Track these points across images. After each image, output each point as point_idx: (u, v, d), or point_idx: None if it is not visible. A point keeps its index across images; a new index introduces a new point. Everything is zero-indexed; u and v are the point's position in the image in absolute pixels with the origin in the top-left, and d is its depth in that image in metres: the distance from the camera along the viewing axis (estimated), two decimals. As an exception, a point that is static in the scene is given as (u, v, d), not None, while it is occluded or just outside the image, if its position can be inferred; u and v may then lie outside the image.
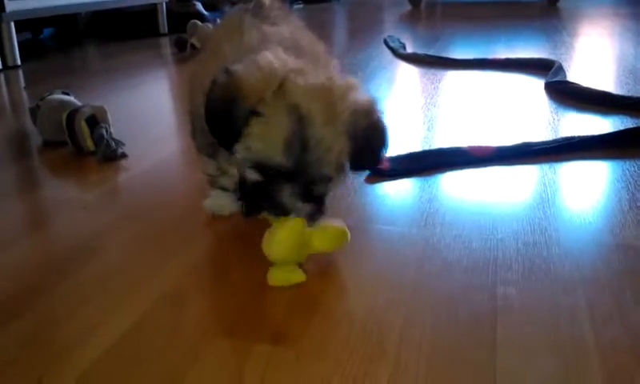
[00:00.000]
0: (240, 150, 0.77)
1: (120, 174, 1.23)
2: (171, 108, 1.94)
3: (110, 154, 1.30)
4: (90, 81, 2.34)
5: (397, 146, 1.29)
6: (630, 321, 0.70)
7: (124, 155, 1.31)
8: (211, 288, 0.82)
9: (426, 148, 1.28)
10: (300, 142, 0.73)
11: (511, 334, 0.69)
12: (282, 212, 0.77)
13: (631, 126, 1.34)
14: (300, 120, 0.73)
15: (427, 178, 1.14)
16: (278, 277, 0.80)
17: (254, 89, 0.74)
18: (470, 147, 1.23)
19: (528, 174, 1.15)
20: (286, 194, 0.76)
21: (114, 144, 1.31)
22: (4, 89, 2.26)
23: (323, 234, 0.81)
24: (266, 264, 0.84)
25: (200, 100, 0.81)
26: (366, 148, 0.79)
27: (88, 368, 0.66)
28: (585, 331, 0.68)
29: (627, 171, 1.13)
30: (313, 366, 0.65)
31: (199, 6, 3.58)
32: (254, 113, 0.74)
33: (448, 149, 1.23)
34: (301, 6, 5.10)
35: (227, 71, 0.76)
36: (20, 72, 2.47)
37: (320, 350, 0.67)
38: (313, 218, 0.79)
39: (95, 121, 1.35)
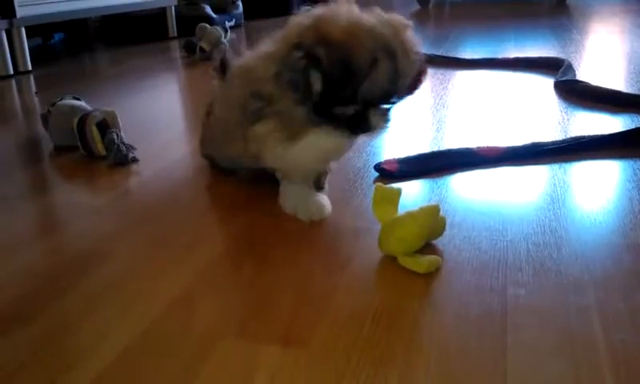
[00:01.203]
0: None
1: (131, 179, 1.24)
2: (181, 111, 1.95)
3: (120, 159, 1.31)
4: (101, 85, 2.35)
5: (406, 147, 1.29)
6: (642, 322, 0.69)
7: (135, 159, 1.32)
8: (221, 290, 0.82)
9: (435, 149, 1.27)
10: (395, 73, 0.87)
11: (521, 336, 0.68)
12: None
13: (642, 125, 1.33)
14: (394, 57, 0.87)
15: (436, 179, 1.14)
16: (422, 264, 0.82)
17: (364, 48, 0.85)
18: (479, 148, 1.22)
19: (538, 175, 1.15)
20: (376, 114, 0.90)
21: (124, 148, 1.32)
22: (15, 94, 2.28)
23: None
24: (275, 264, 0.84)
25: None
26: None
27: (101, 372, 0.66)
28: (596, 332, 0.68)
29: (638, 171, 1.12)
30: (322, 368, 0.65)
31: (208, 9, 3.60)
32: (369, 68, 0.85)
33: (457, 150, 1.23)
34: (308, 8, 5.11)
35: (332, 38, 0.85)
36: (31, 77, 2.50)
37: (330, 351, 0.67)
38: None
39: (106, 125, 1.36)
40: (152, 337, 0.72)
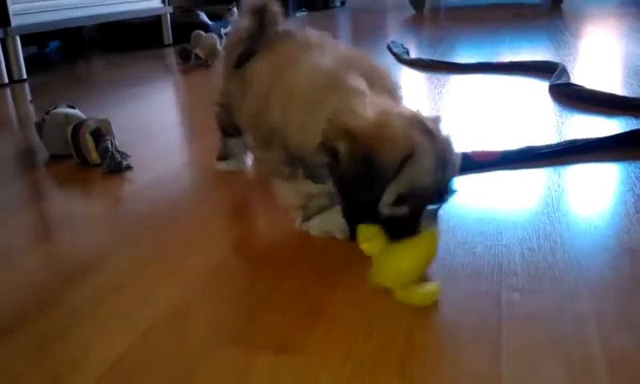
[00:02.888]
0: (390, 189, 0.76)
1: (125, 187, 1.24)
2: (176, 119, 1.95)
3: (115, 167, 1.31)
4: (96, 93, 2.35)
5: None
6: (638, 327, 0.69)
7: (129, 167, 1.32)
8: (216, 299, 0.82)
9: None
10: (441, 165, 0.77)
11: (516, 341, 0.68)
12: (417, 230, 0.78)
13: (636, 128, 1.33)
14: (436, 147, 0.77)
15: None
16: (424, 296, 0.76)
17: (400, 136, 0.76)
18: (474, 152, 1.22)
19: (532, 179, 1.15)
20: (426, 215, 0.79)
21: (119, 156, 1.32)
22: (10, 103, 2.28)
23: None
24: (271, 272, 0.84)
25: (303, 137, 0.84)
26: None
27: (95, 382, 0.66)
28: (591, 338, 0.68)
29: (632, 173, 1.12)
30: (317, 375, 0.65)
31: (203, 16, 3.60)
32: (402, 164, 0.75)
33: (452, 154, 1.23)
34: (304, 13, 5.11)
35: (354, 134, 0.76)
36: (26, 85, 2.49)
37: (325, 359, 0.67)
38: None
39: (100, 134, 1.36)
40: (147, 346, 0.72)
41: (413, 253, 0.78)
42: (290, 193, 0.95)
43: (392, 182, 0.75)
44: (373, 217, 0.78)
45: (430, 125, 0.80)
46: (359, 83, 0.85)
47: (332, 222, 0.93)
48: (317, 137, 0.81)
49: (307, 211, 0.95)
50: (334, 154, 0.78)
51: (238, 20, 1.10)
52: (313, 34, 1.03)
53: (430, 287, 0.77)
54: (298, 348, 0.69)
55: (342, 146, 0.77)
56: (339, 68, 0.88)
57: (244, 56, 1.06)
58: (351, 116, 0.79)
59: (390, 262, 0.78)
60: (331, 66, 0.89)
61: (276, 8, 1.08)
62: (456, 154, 0.83)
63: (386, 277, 0.78)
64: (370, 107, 0.80)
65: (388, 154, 0.74)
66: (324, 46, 0.97)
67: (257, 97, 0.97)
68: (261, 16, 1.05)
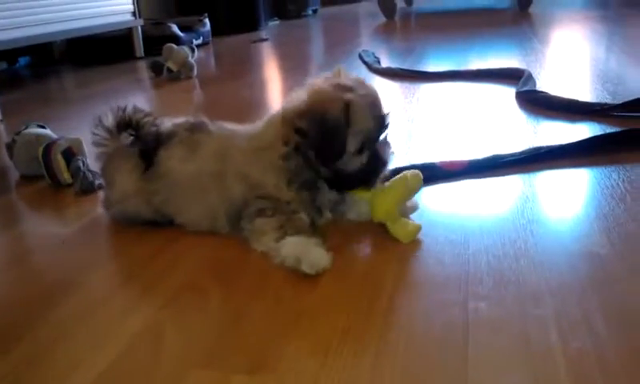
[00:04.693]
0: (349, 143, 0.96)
1: (98, 207, 1.23)
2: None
3: (87, 187, 1.31)
4: (67, 110, 2.34)
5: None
6: (596, 330, 0.72)
7: (101, 186, 1.32)
8: (189, 319, 0.83)
9: (399, 165, 1.30)
10: (374, 104, 0.99)
11: (482, 348, 0.71)
12: (385, 164, 1.00)
13: (598, 133, 1.38)
14: (363, 94, 0.98)
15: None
16: (408, 232, 0.98)
17: (333, 94, 0.96)
18: (441, 162, 1.25)
19: (498, 187, 1.18)
20: (382, 148, 0.99)
21: (91, 176, 1.32)
22: (-20, 122, 2.25)
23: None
24: (242, 290, 0.86)
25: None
26: None
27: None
28: (553, 342, 0.70)
29: (594, 179, 1.16)
30: (290, 392, 0.66)
31: (174, 28, 3.60)
32: (346, 114, 0.94)
33: (420, 165, 1.26)
34: (277, 22, 5.14)
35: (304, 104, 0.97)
36: (-4, 104, 2.47)
37: (298, 375, 0.69)
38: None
39: (71, 153, 1.36)
40: (121, 369, 0.73)
41: (395, 192, 1.00)
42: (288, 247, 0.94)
43: (348, 132, 0.95)
44: (349, 178, 0.99)
45: (351, 82, 0.99)
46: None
47: (306, 248, 0.91)
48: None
49: (281, 232, 0.96)
50: (300, 133, 0.96)
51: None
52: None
53: (412, 226, 0.98)
54: (270, 367, 0.70)
55: (301, 122, 0.95)
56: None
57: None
58: (291, 104, 0.98)
59: (379, 202, 1.00)
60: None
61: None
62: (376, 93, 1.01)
63: (378, 215, 1.00)
64: (295, 93, 1.00)
65: (333, 109, 0.94)
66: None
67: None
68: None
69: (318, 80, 1.01)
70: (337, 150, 0.96)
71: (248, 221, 0.99)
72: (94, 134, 1.14)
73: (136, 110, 1.14)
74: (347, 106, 0.94)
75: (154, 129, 1.12)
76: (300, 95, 0.99)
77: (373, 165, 0.99)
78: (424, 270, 0.90)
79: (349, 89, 0.97)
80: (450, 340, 0.73)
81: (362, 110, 0.95)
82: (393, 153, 1.02)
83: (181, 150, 1.06)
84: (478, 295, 0.81)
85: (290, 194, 0.98)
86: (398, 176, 1.02)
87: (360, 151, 0.97)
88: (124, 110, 1.13)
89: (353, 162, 0.98)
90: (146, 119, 1.13)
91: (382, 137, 1.00)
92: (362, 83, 1.00)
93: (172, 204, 1.07)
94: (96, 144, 1.15)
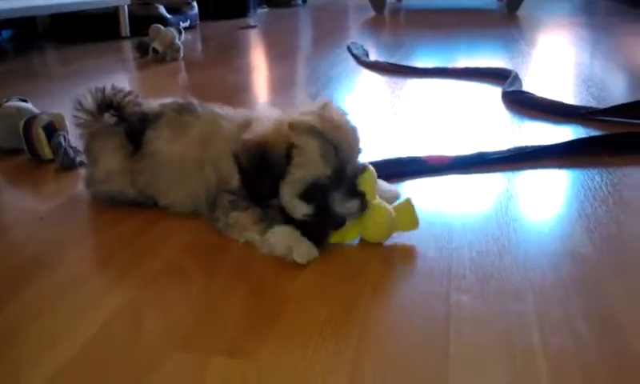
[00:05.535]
0: (287, 188, 0.89)
1: (78, 183, 1.21)
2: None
3: (68, 163, 1.29)
4: (49, 86, 2.30)
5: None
6: (576, 328, 0.73)
7: (82, 163, 1.30)
8: (169, 301, 0.82)
9: (386, 157, 1.30)
10: (332, 150, 0.88)
11: (464, 342, 0.71)
12: (341, 222, 0.90)
13: (582, 136, 1.39)
14: (322, 137, 0.88)
15: (386, 187, 1.16)
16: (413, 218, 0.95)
17: (277, 139, 0.89)
18: (428, 157, 1.25)
19: (483, 184, 1.19)
20: (338, 201, 0.88)
21: (72, 152, 1.30)
22: (-41, 93, 2.20)
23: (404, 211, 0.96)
24: (224, 275, 0.85)
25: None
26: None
27: (47, 382, 0.65)
28: (534, 339, 0.71)
29: (577, 180, 1.17)
30: (271, 379, 0.66)
31: (162, 9, 3.55)
32: (287, 156, 0.88)
33: (406, 158, 1.26)
34: (265, 9, 5.10)
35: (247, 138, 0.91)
36: (-24, 76, 2.41)
37: (278, 362, 0.68)
38: (360, 213, 0.91)
39: (53, 128, 1.33)
40: (99, 348, 0.71)
41: (380, 216, 0.93)
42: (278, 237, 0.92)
43: (284, 179, 0.89)
44: (299, 225, 0.91)
45: (325, 122, 0.91)
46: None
47: (297, 238, 0.90)
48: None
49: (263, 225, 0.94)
50: (239, 167, 0.92)
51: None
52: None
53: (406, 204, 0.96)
54: (251, 352, 0.70)
55: (242, 157, 0.91)
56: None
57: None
58: (243, 133, 0.93)
59: (373, 229, 0.93)
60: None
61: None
62: (354, 135, 0.95)
63: (374, 239, 0.94)
64: (259, 121, 0.94)
65: (274, 149, 0.88)
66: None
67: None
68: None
69: (296, 110, 0.96)
70: (265, 188, 0.90)
71: (222, 213, 0.97)
72: (75, 117, 1.12)
73: (115, 90, 1.12)
74: (290, 148, 0.88)
75: (137, 108, 1.10)
76: (264, 125, 0.93)
77: (320, 218, 0.89)
78: (407, 263, 0.90)
79: (307, 130, 0.89)
80: (432, 332, 0.73)
81: (310, 154, 0.87)
82: (360, 205, 0.90)
83: (168, 130, 1.05)
84: (460, 289, 0.81)
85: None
86: (376, 202, 0.94)
87: (307, 200, 0.89)
88: (103, 90, 1.11)
89: (297, 209, 0.90)
90: (127, 99, 1.11)
91: (342, 190, 0.89)
92: (336, 126, 0.92)
93: (157, 185, 1.06)
94: (79, 126, 1.13)
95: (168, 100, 1.10)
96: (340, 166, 0.89)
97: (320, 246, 0.90)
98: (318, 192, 0.88)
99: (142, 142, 1.06)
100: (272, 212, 0.94)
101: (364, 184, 0.93)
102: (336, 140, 0.89)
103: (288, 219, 0.92)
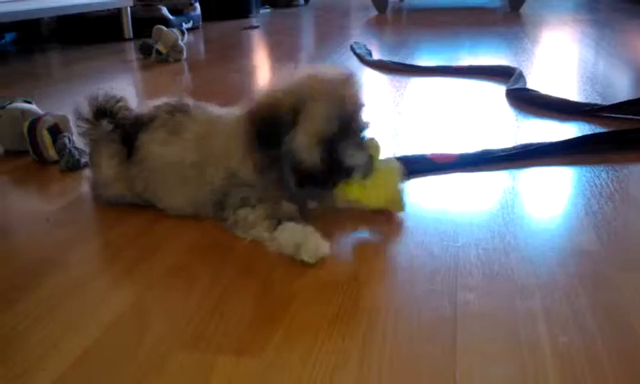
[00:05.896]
0: (298, 138, 0.92)
1: (83, 184, 1.21)
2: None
3: (72, 164, 1.29)
4: (53, 88, 2.30)
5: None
6: (584, 324, 0.72)
7: (87, 165, 1.30)
8: (175, 300, 0.82)
9: (390, 155, 1.29)
10: (340, 103, 0.93)
11: (471, 339, 0.71)
12: (349, 172, 0.94)
13: (588, 133, 1.39)
14: (329, 93, 0.93)
15: (391, 185, 1.16)
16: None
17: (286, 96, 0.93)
18: (432, 154, 1.25)
19: (488, 181, 1.18)
20: (349, 151, 0.93)
21: (76, 153, 1.30)
22: (-37, 96, 2.20)
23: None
24: (230, 273, 0.85)
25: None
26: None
27: (53, 383, 0.65)
28: (541, 336, 0.71)
29: (584, 177, 1.17)
30: (278, 376, 0.66)
31: (165, 11, 3.56)
32: (297, 111, 0.92)
33: (411, 156, 1.26)
34: (268, 10, 5.10)
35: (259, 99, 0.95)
36: (-20, 78, 2.42)
37: (285, 360, 0.68)
38: (368, 168, 0.96)
39: (57, 130, 1.33)
40: (105, 348, 0.71)
41: (392, 177, 0.99)
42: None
43: (295, 128, 0.92)
44: (308, 177, 0.94)
45: (328, 78, 0.95)
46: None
47: (305, 235, 0.90)
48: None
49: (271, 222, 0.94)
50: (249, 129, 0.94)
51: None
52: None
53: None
54: (257, 350, 0.70)
55: (255, 115, 0.94)
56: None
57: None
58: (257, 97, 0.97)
59: (377, 192, 0.98)
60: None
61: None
62: (358, 90, 0.99)
63: (379, 204, 0.99)
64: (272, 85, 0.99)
65: (283, 106, 0.92)
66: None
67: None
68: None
69: (302, 70, 0.98)
70: (274, 133, 0.92)
71: (231, 211, 0.97)
72: (77, 125, 1.13)
73: (107, 96, 1.12)
74: (299, 103, 0.92)
75: (127, 113, 1.10)
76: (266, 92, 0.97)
77: (329, 166, 0.93)
78: (414, 260, 0.89)
79: (315, 87, 0.93)
80: (439, 329, 0.72)
81: (320, 108, 0.92)
82: (368, 161, 0.95)
83: (161, 133, 1.04)
84: (467, 286, 0.81)
85: (263, 183, 0.96)
86: (382, 167, 0.99)
87: (317, 149, 0.92)
88: (97, 98, 1.11)
89: (307, 157, 0.93)
90: (118, 105, 1.11)
91: (349, 140, 0.94)
92: (342, 81, 0.96)
93: (154, 190, 1.06)
94: (82, 135, 1.14)
95: (161, 101, 1.09)
96: (347, 119, 0.94)
97: (327, 189, 0.97)
98: (328, 142, 0.92)
99: (135, 147, 1.05)
100: (282, 208, 0.94)
101: (370, 150, 0.98)
102: (342, 94, 0.94)
103: (295, 171, 0.94)
